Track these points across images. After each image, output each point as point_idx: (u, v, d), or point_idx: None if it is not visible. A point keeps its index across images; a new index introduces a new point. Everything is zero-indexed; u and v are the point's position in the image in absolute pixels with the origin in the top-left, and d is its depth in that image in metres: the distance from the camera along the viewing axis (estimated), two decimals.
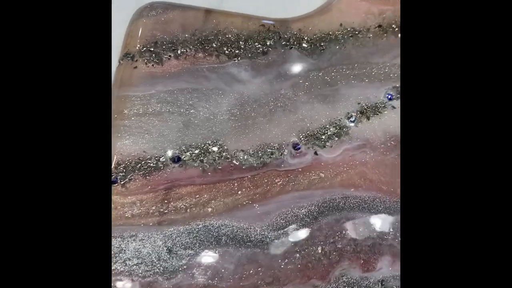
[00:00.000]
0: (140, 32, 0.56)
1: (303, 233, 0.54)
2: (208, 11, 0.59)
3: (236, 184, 0.55)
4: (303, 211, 0.55)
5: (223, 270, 0.52)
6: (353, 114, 0.59)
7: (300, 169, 0.57)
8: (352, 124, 0.59)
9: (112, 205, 0.49)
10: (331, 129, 0.59)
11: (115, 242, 0.50)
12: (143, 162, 0.53)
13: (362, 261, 0.56)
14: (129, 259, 0.51)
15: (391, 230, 0.57)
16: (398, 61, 0.63)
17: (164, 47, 0.56)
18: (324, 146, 0.58)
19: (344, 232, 0.56)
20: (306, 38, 0.61)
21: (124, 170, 0.53)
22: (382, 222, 0.57)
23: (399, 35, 0.63)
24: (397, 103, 0.61)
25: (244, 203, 0.56)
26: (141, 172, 0.53)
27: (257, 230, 0.54)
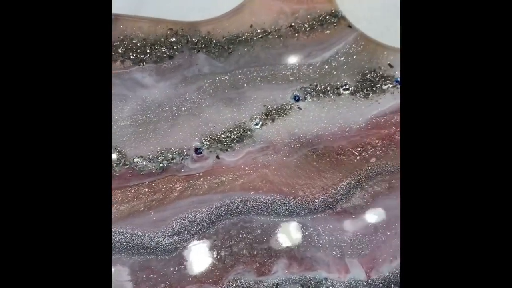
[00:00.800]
0: None
1: (198, 238, 0.53)
2: (116, 17, 0.59)
3: (133, 191, 0.55)
4: (200, 216, 0.54)
5: (115, 278, 0.52)
6: (257, 116, 0.58)
7: (200, 174, 0.56)
8: (257, 127, 0.57)
9: None
10: (234, 132, 0.57)
11: None
12: None
13: (257, 265, 0.54)
14: None
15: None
16: (308, 61, 0.61)
17: None
18: (227, 150, 0.56)
19: (240, 236, 0.55)
20: (214, 41, 0.60)
21: None
22: (280, 225, 0.55)
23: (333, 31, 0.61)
24: (303, 104, 0.59)
25: (140, 210, 0.55)
26: None
27: (151, 236, 0.53)
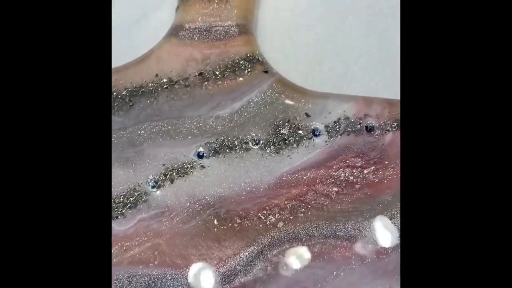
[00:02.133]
0: None
1: None
2: None
3: None
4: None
5: None
6: (155, 177, 0.50)
7: None
8: (153, 190, 0.49)
9: None
10: (127, 196, 0.49)
11: None
12: None
13: None
14: None
15: None
16: (216, 113, 0.53)
17: None
18: (117, 217, 0.49)
19: None
20: (114, 94, 0.52)
21: None
22: None
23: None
24: (207, 161, 0.51)
25: None
26: None
27: None
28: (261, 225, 0.49)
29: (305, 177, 0.50)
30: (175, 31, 0.56)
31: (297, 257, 0.51)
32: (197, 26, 0.56)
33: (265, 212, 0.49)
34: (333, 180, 0.50)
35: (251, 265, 0.48)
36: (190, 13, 0.56)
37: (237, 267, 0.48)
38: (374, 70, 0.58)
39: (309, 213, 0.49)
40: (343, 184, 0.50)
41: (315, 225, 0.50)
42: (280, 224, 0.49)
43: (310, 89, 0.57)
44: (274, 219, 0.49)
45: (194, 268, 0.49)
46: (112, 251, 0.48)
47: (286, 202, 0.50)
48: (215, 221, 0.49)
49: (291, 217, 0.49)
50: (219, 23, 0.56)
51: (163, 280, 0.48)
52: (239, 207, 0.49)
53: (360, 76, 0.58)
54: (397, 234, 0.48)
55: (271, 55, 0.60)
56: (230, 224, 0.49)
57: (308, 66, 0.60)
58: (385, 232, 0.48)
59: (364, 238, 0.48)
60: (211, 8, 0.56)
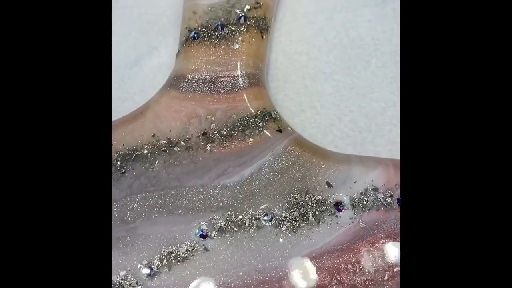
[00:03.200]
0: None
1: None
2: None
3: None
4: None
5: None
6: (150, 263, 0.39)
7: None
8: (148, 278, 0.39)
9: None
10: (117, 286, 0.39)
11: None
12: None
13: None
14: None
15: None
16: (221, 181, 0.42)
17: None
18: None
19: None
20: None
21: None
22: None
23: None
24: (211, 242, 0.40)
25: None
26: None
27: None
28: None
29: (327, 263, 0.39)
30: (175, 82, 0.46)
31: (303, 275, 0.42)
32: (200, 77, 0.46)
33: None
34: (361, 267, 0.39)
35: None
36: (192, 61, 0.46)
37: None
38: None
39: None
40: (372, 272, 0.39)
41: None
42: None
43: (329, 144, 0.50)
44: None
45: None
46: None
47: None
48: None
49: None
50: (226, 72, 0.46)
51: None
52: None
53: (387, 131, 0.47)
54: None
55: (285, 104, 0.50)
56: None
57: (327, 119, 0.49)
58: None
59: None
60: (217, 55, 0.46)
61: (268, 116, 0.46)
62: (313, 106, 0.50)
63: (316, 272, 0.41)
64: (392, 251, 0.41)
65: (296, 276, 0.40)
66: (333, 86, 0.51)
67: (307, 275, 0.41)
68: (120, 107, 0.51)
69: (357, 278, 0.41)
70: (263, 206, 0.43)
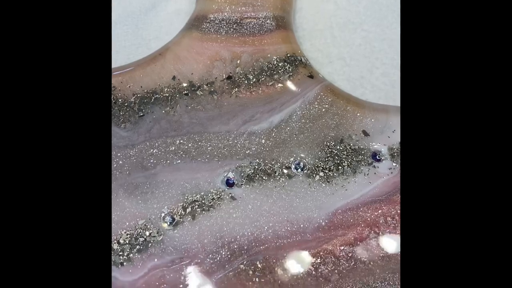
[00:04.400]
0: None
1: None
2: None
3: None
4: None
5: None
6: (172, 212, 0.35)
7: None
8: (170, 227, 0.34)
9: None
10: (136, 236, 0.34)
11: None
12: None
13: None
14: None
15: None
16: (249, 128, 0.38)
17: None
18: (122, 264, 0.33)
19: None
20: (120, 100, 0.37)
21: None
22: None
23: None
24: (239, 191, 0.36)
25: None
26: None
27: None
28: (309, 279, 0.34)
29: (365, 216, 0.35)
30: (197, 23, 0.41)
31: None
32: (224, 17, 0.42)
33: (315, 261, 0.34)
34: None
35: None
36: (215, 0, 0.41)
37: None
38: None
39: (371, 263, 0.36)
40: None
41: (380, 280, 0.38)
42: (335, 277, 0.35)
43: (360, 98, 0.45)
44: (326, 270, 0.34)
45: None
46: None
47: (341, 248, 0.39)
48: (251, 272, 0.34)
49: (349, 267, 0.39)
50: (252, 13, 0.42)
51: None
52: (280, 253, 0.34)
53: None
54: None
55: (311, 55, 0.47)
56: (269, 277, 0.34)
57: (357, 71, 0.45)
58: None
59: None
60: None
61: (298, 61, 0.42)
62: (342, 57, 0.46)
63: (353, 226, 0.37)
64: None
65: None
66: (363, 37, 0.47)
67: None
68: (134, 54, 0.47)
69: (397, 231, 0.37)
70: (294, 155, 0.38)
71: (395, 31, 0.47)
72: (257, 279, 0.36)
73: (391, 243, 0.37)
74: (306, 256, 0.37)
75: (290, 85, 0.41)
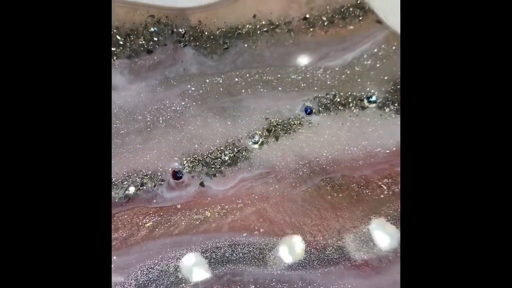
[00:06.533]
0: None
1: None
2: None
3: None
4: (174, 264, 0.36)
5: None
6: (257, 132, 0.40)
7: (178, 206, 0.38)
8: (255, 146, 0.39)
9: None
10: (226, 152, 0.39)
11: None
12: None
13: None
14: None
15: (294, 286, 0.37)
16: (324, 64, 0.43)
17: None
18: (215, 175, 0.38)
19: None
20: (206, 33, 0.42)
21: None
22: (279, 279, 0.37)
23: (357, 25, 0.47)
24: (316, 118, 0.41)
25: None
26: None
27: None
28: (382, 196, 0.39)
29: None
30: None
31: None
32: None
33: (387, 181, 0.40)
34: None
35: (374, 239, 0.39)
36: None
37: (358, 242, 0.38)
38: None
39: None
40: None
41: None
42: (396, 188, 0.40)
43: None
44: (397, 188, 0.40)
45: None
46: (209, 214, 0.38)
47: None
48: (329, 188, 0.40)
49: None
50: None
51: (272, 252, 0.38)
52: (356, 173, 0.40)
53: None
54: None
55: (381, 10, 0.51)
56: (346, 192, 0.40)
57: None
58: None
59: None
60: None
61: (367, 8, 0.47)
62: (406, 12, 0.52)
63: None
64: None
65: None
66: None
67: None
68: None
69: None
70: (366, 90, 0.44)
71: None
72: (335, 194, 0.42)
73: None
74: (378, 176, 0.42)
75: (360, 28, 0.47)
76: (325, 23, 0.45)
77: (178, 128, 0.42)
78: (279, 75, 0.44)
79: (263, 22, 0.45)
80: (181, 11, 0.43)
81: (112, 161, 0.40)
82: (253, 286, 0.38)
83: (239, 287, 0.38)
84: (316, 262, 0.39)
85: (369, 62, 0.44)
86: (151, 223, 0.39)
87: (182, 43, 0.43)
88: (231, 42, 0.45)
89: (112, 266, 0.37)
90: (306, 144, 0.42)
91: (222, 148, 0.41)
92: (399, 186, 0.41)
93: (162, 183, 0.40)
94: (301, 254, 0.38)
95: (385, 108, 0.43)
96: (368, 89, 0.44)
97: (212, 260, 0.39)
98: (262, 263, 0.39)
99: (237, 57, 0.44)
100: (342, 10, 0.46)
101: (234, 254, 0.39)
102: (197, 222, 0.39)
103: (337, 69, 0.44)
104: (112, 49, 0.42)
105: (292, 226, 0.40)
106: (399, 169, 0.41)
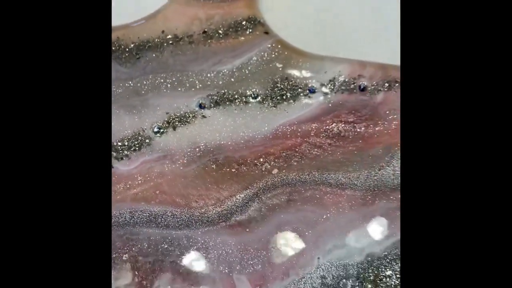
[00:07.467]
0: None
1: None
2: None
3: None
4: None
5: None
6: (158, 124, 0.53)
7: None
8: (156, 135, 0.53)
9: None
10: (132, 140, 0.53)
11: None
12: None
13: (139, 279, 0.49)
14: None
15: (177, 244, 0.50)
16: (217, 68, 0.56)
17: None
18: (122, 158, 0.52)
19: (125, 248, 0.50)
20: (122, 47, 0.56)
21: None
22: (168, 237, 0.50)
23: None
24: (209, 112, 0.54)
25: None
26: None
27: None
28: (257, 171, 0.52)
29: (300, 130, 0.54)
30: None
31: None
32: None
33: (261, 160, 0.53)
34: (326, 134, 0.54)
35: (246, 206, 0.51)
36: None
37: (233, 207, 0.51)
38: (372, 38, 0.61)
39: (303, 162, 0.53)
40: (336, 137, 0.54)
41: (307, 173, 0.53)
42: (275, 170, 0.52)
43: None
44: (269, 166, 0.52)
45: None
46: (116, 188, 0.52)
47: (281, 151, 0.53)
48: (214, 166, 0.52)
49: (286, 165, 0.53)
50: None
51: (164, 217, 0.51)
52: (237, 154, 0.53)
53: (360, 44, 0.61)
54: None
55: (272, 23, 0.64)
56: (227, 169, 0.52)
57: (309, 34, 0.63)
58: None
59: (354, 186, 0.52)
60: None
61: (257, 22, 0.61)
62: (296, 24, 0.65)
63: (291, 137, 0.56)
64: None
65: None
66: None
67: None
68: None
69: (323, 141, 0.56)
70: (251, 88, 0.58)
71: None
72: (218, 171, 0.56)
73: (319, 149, 0.55)
74: (254, 156, 0.56)
75: (249, 38, 0.60)
76: (221, 36, 0.59)
77: None
78: (179, 79, 0.57)
79: (169, 36, 0.59)
80: None
81: None
82: (146, 243, 0.52)
83: (135, 242, 0.52)
84: (198, 223, 0.52)
85: (254, 66, 0.58)
86: None
87: None
88: (142, 53, 0.58)
89: None
90: (198, 132, 0.55)
91: (129, 137, 0.55)
92: (271, 164, 0.54)
93: None
94: None
95: (265, 102, 0.56)
96: (252, 88, 0.57)
97: (115, 225, 0.52)
98: (154, 225, 0.52)
99: (146, 65, 0.57)
100: (235, 24, 0.60)
101: (133, 219, 0.52)
102: None
103: (227, 72, 0.57)
104: None
105: (181, 196, 0.53)
106: (271, 150, 0.54)
